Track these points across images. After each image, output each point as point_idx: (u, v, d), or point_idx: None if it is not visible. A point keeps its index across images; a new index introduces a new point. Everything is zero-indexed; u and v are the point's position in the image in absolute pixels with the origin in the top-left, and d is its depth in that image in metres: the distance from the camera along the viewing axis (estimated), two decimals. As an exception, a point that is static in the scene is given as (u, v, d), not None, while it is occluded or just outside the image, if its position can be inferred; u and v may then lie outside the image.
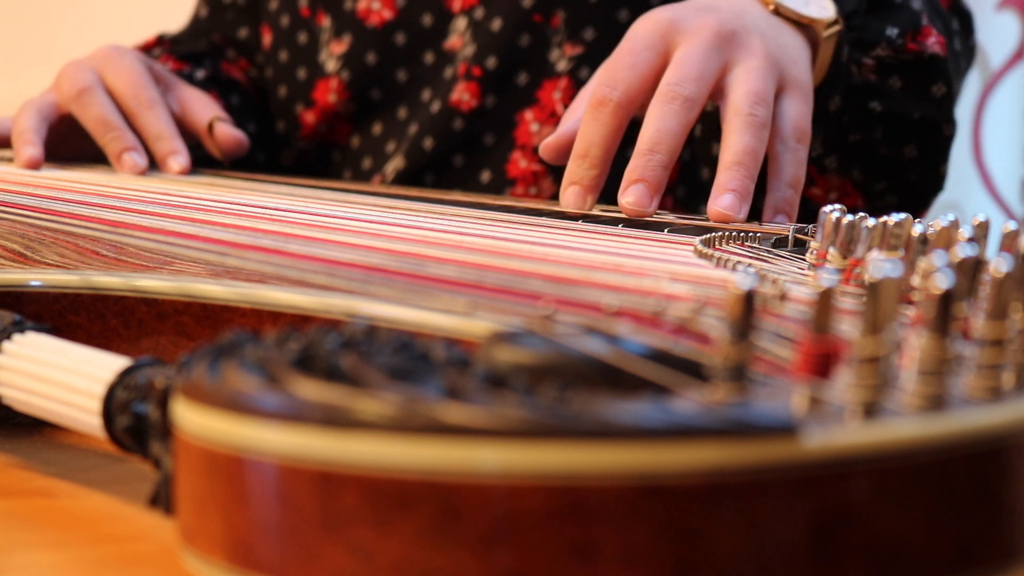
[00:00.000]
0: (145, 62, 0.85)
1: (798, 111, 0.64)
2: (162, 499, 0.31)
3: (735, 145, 0.60)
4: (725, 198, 0.58)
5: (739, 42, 0.63)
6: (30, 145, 0.79)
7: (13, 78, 1.15)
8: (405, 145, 0.87)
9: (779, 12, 0.67)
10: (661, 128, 0.59)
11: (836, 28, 0.69)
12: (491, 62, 0.84)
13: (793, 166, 0.63)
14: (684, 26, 0.63)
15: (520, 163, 0.84)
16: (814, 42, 0.68)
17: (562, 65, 0.83)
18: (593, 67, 0.68)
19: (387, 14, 0.88)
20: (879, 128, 0.74)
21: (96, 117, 0.81)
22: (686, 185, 0.83)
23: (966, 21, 0.86)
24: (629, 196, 0.59)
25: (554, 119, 0.83)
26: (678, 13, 0.64)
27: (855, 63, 0.72)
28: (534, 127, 0.83)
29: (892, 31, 0.72)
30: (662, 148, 0.59)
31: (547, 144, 0.66)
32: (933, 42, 0.73)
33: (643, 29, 0.63)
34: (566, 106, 0.82)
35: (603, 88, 0.61)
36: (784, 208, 0.63)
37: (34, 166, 0.78)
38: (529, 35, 0.83)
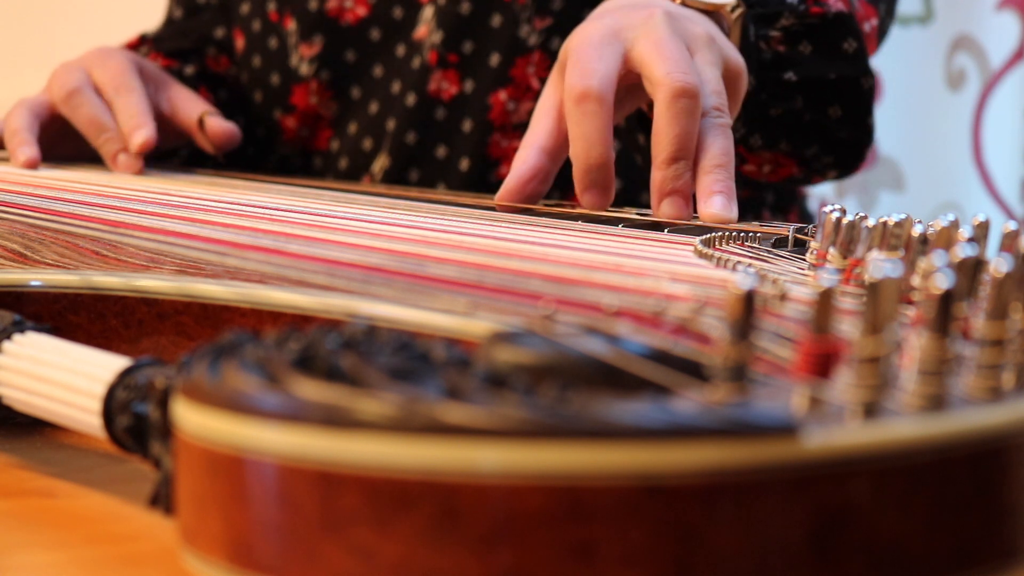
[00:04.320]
0: (134, 60, 0.85)
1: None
2: (162, 499, 0.31)
3: (713, 147, 0.60)
4: (715, 200, 0.59)
5: (685, 23, 0.63)
6: (26, 145, 0.79)
7: (13, 78, 1.15)
8: (387, 142, 0.87)
9: (687, 4, 0.67)
10: (680, 133, 0.59)
11: (740, 11, 0.70)
12: (467, 47, 0.84)
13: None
14: (628, 22, 0.62)
15: (501, 143, 0.84)
16: (723, 28, 0.69)
17: (533, 39, 0.83)
18: (563, 36, 0.67)
19: (361, 11, 0.88)
20: (798, 97, 0.74)
21: (87, 118, 0.81)
22: (622, 176, 0.81)
23: None
24: (667, 208, 0.60)
25: (530, 93, 0.83)
26: (610, 17, 0.63)
27: (763, 39, 0.72)
28: (510, 106, 0.83)
29: None
30: (686, 153, 0.59)
31: (507, 191, 0.64)
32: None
33: (591, 34, 0.62)
34: (541, 79, 0.82)
35: (580, 81, 0.60)
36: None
37: (32, 166, 0.78)
38: (499, 15, 0.83)
